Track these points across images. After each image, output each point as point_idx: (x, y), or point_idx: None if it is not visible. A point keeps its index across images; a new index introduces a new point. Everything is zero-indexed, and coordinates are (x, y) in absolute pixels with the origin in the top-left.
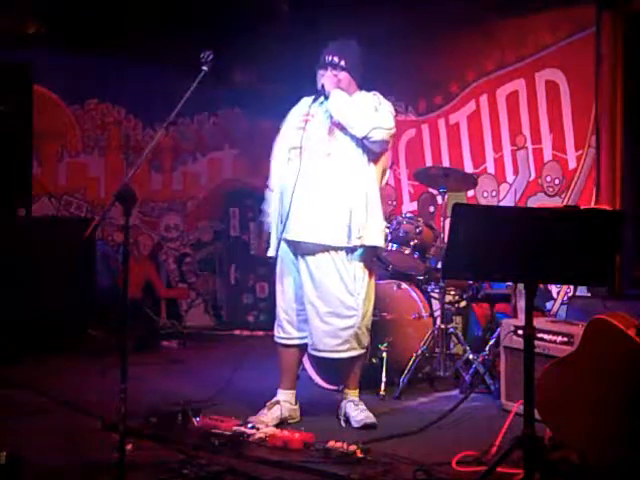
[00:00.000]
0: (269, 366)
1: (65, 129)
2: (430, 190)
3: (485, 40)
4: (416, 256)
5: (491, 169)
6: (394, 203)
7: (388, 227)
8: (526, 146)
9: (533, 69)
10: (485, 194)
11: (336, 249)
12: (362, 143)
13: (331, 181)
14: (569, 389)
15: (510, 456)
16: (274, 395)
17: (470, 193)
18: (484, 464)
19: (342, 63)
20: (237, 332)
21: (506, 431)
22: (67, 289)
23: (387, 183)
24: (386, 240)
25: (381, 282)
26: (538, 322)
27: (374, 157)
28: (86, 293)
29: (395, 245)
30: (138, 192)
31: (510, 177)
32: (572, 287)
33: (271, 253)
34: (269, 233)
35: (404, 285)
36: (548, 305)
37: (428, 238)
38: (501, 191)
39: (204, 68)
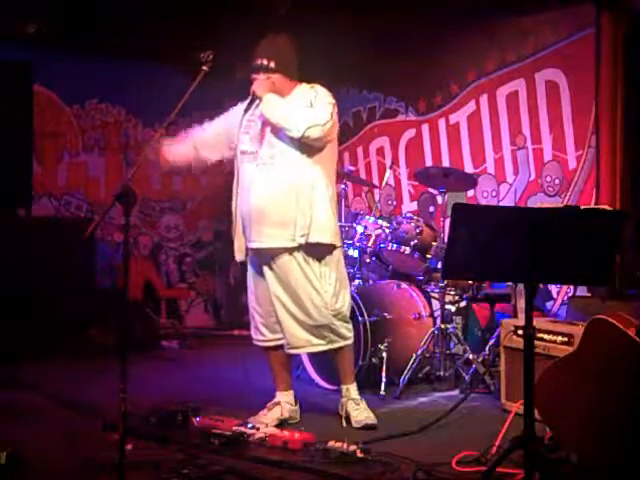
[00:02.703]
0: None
1: (65, 129)
2: (430, 190)
3: (485, 40)
4: (416, 256)
5: (491, 169)
6: (394, 203)
7: (388, 227)
8: (526, 146)
9: (533, 69)
10: (485, 194)
11: (296, 249)
12: (300, 142)
13: (274, 185)
14: (569, 389)
15: (510, 456)
16: (274, 396)
17: (470, 193)
18: (484, 464)
19: (272, 65)
20: (237, 332)
21: (506, 431)
22: (67, 289)
23: (387, 183)
24: (386, 240)
25: (381, 282)
26: (538, 322)
27: (318, 153)
28: (86, 293)
29: (395, 245)
30: (138, 192)
31: (510, 177)
32: (572, 287)
33: (239, 258)
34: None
35: (404, 285)
36: (548, 305)
37: (428, 238)
38: (501, 191)
39: (204, 68)
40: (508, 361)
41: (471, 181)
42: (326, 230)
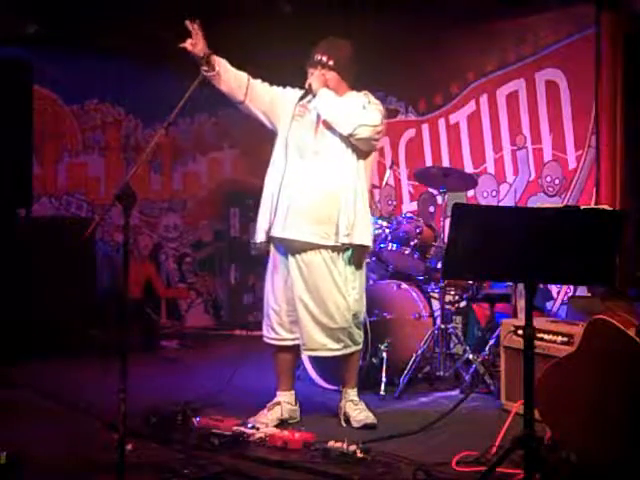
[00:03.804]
0: (269, 366)
1: (65, 129)
2: (430, 190)
3: (485, 40)
4: (416, 256)
5: (491, 169)
6: (394, 203)
7: (388, 227)
8: (526, 146)
9: (533, 69)
10: (485, 194)
11: (326, 248)
12: (350, 141)
13: (320, 179)
14: (569, 389)
15: (510, 456)
16: (274, 395)
17: (470, 193)
18: (484, 464)
19: (330, 63)
20: (237, 332)
21: (506, 431)
22: (67, 289)
23: (387, 183)
24: (386, 240)
25: (381, 282)
26: (538, 322)
27: (362, 156)
28: (86, 293)
29: (395, 245)
30: (138, 192)
31: (510, 177)
32: (572, 287)
33: (257, 239)
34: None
35: (404, 285)
36: (548, 305)
37: (428, 238)
38: (501, 191)
39: (204, 68)
40: (508, 361)
41: (471, 181)
42: (368, 232)
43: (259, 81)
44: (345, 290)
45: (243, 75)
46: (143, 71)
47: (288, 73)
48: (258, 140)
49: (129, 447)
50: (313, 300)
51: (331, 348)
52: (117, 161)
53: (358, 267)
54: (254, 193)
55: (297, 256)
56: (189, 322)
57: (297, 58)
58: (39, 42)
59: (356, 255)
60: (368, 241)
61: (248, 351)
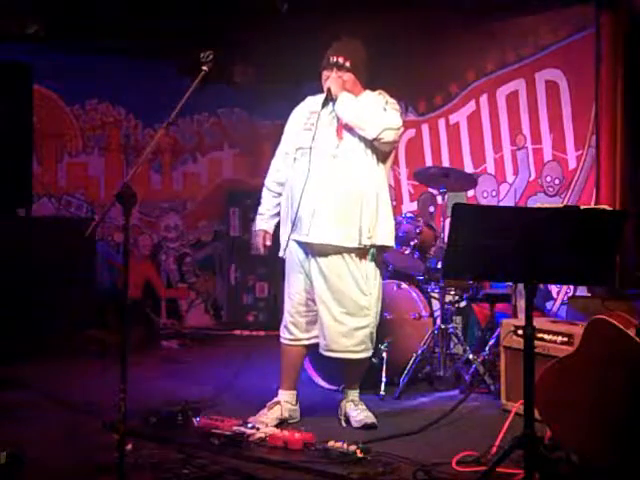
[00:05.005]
0: (269, 366)
1: (65, 129)
2: (430, 190)
3: (485, 40)
4: (416, 256)
5: (491, 169)
6: (394, 203)
7: None
8: (526, 146)
9: (533, 69)
10: (485, 194)
11: (349, 250)
12: (371, 144)
13: (341, 182)
14: (569, 389)
15: (510, 456)
16: (275, 395)
17: (470, 193)
18: (484, 464)
19: (347, 64)
20: (237, 332)
21: (506, 431)
22: (67, 289)
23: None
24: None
25: (381, 282)
26: (538, 322)
27: (383, 157)
28: (86, 293)
29: (395, 245)
30: (138, 192)
31: (510, 177)
32: (572, 287)
33: (282, 254)
34: (256, 231)
35: (404, 285)
36: (548, 305)
37: (428, 238)
38: (501, 191)
39: (204, 68)
40: (508, 361)
41: (471, 181)
42: (390, 233)
43: (275, 171)
44: (366, 289)
45: (273, 192)
46: (143, 71)
47: (284, 71)
48: (258, 140)
49: (129, 447)
50: (335, 300)
51: (352, 350)
52: (117, 161)
53: (378, 267)
54: (254, 193)
55: (318, 258)
56: (189, 322)
57: (293, 57)
58: (39, 42)
59: (377, 255)
60: (389, 241)
61: (248, 351)
